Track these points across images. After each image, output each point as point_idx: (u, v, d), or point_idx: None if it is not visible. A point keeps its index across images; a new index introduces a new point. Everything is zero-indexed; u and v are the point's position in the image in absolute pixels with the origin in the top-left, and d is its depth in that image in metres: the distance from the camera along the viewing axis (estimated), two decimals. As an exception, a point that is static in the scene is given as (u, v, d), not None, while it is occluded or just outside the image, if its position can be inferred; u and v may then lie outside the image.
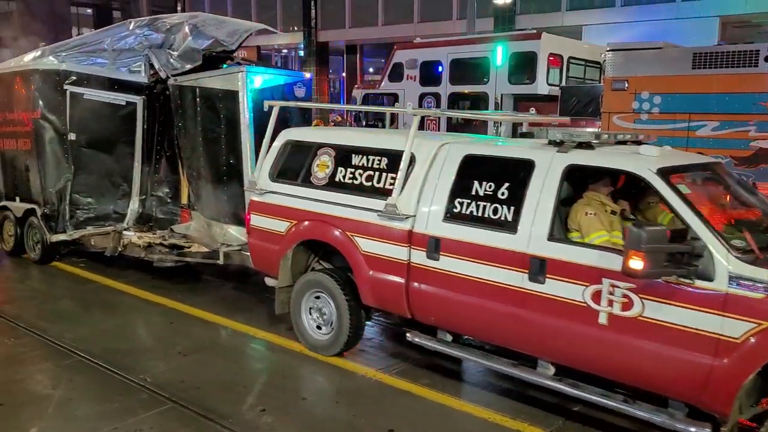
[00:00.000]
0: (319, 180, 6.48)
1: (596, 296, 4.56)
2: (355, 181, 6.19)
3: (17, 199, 9.92)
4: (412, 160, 5.75)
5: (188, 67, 8.87)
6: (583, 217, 4.95)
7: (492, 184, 5.24)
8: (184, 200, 9.68)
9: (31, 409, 5.29)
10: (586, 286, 4.60)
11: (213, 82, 8.55)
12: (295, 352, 6.55)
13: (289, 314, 6.68)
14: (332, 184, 6.36)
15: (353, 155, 6.27)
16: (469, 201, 5.33)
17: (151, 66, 9.17)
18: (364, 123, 15.98)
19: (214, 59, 9.26)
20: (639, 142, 5.49)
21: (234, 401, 5.47)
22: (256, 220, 6.97)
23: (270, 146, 7.05)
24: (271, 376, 6.29)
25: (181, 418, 5.16)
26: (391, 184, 5.84)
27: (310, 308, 6.51)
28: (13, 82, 9.54)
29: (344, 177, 6.29)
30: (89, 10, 60.68)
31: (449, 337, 5.74)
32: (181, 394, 5.53)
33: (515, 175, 5.16)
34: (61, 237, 9.35)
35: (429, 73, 15.06)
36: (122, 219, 9.51)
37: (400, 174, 5.71)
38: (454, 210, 5.41)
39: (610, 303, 4.50)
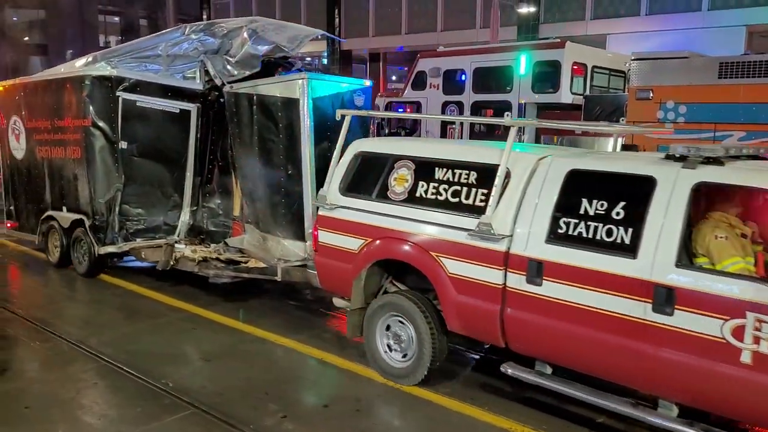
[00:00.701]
0: (397, 195, 6.02)
1: (738, 332, 4.04)
2: (439, 197, 5.71)
3: (64, 209, 9.57)
4: (507, 174, 5.26)
5: (246, 73, 8.49)
6: (713, 241, 4.43)
7: (604, 202, 4.73)
8: (237, 212, 9.28)
9: (55, 412, 5.35)
10: (726, 320, 4.08)
11: (272, 89, 8.13)
12: (317, 359, 6.54)
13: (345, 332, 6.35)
14: (412, 200, 5.89)
15: (437, 168, 5.80)
16: (577, 221, 4.83)
17: (206, 72, 8.78)
18: (386, 131, 15.81)
19: (268, 66, 8.87)
20: (756, 157, 4.98)
21: (255, 407, 5.48)
22: (325, 237, 6.52)
23: (340, 158, 6.60)
24: (293, 382, 6.15)
25: (203, 423, 5.20)
26: (482, 201, 5.37)
27: (386, 333, 6.04)
28: (62, 89, 9.21)
29: (426, 192, 5.82)
30: (116, 18, 61.27)
31: (549, 369, 5.23)
32: (204, 399, 5.58)
33: (633, 192, 4.65)
34: (110, 249, 8.98)
35: (452, 82, 14.94)
36: (173, 231, 9.13)
37: (495, 190, 5.23)
38: (559, 230, 4.91)
39: (757, 340, 3.98)
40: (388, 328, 6.04)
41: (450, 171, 5.71)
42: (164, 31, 9.39)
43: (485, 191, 5.38)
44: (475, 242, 5.30)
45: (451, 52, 15.35)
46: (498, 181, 5.22)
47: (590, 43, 15.30)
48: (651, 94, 8.49)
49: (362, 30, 29.62)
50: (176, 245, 8.72)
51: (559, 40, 13.96)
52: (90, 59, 9.43)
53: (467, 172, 5.59)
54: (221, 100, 8.90)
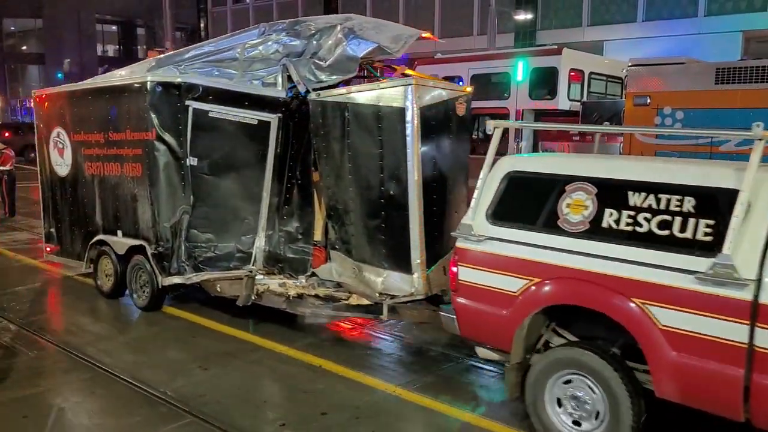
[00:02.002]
0: (573, 225, 4.92)
1: None
2: (638, 229, 4.62)
3: (119, 233, 8.43)
4: (748, 202, 4.18)
5: (339, 79, 7.40)
6: None
7: None
8: (318, 237, 8.17)
9: (53, 421, 5.37)
10: None
11: (370, 97, 7.04)
12: (315, 366, 6.50)
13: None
14: (597, 232, 4.80)
15: (631, 193, 4.71)
16: None
17: (288, 78, 7.67)
18: None
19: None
20: None
21: (254, 415, 5.50)
22: (470, 275, 5.42)
23: (485, 179, 5.50)
24: (291, 390, 6.08)
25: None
26: (708, 235, 4.28)
27: (560, 395, 4.93)
28: (119, 97, 8.09)
29: (618, 222, 4.72)
30: (114, 27, 60.21)
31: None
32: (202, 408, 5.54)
33: None
34: (176, 280, 7.85)
35: None
36: (247, 259, 7.99)
37: (735, 222, 4.13)
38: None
39: None
40: (560, 388, 4.93)
41: (653, 196, 4.61)
42: (238, 31, 8.26)
43: (711, 222, 4.30)
44: (704, 288, 4.20)
45: (449, 59, 15.14)
46: (739, 210, 4.13)
47: (587, 50, 15.50)
48: (648, 100, 8.39)
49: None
50: (258, 277, 7.59)
51: (556, 47, 13.87)
52: (153, 63, 8.32)
53: (680, 197, 4.49)
54: (302, 109, 7.80)
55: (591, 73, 13.44)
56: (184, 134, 7.71)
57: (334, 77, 7.42)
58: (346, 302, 7.01)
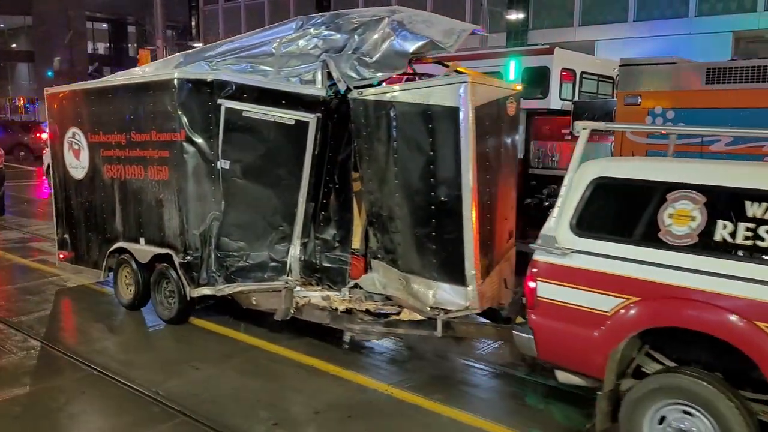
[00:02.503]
0: (679, 238, 4.43)
1: None
2: (759, 243, 4.13)
3: (142, 240, 7.87)
4: None
5: (386, 76, 6.89)
6: None
7: None
8: (357, 245, 7.63)
9: (44, 422, 5.36)
10: None
11: (420, 95, 6.51)
12: (307, 365, 6.49)
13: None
14: (708, 246, 4.32)
15: (751, 203, 4.22)
16: None
17: (328, 76, 7.14)
18: None
19: None
20: None
21: (246, 415, 5.47)
22: (552, 291, 4.92)
23: (569, 186, 5.00)
24: (284, 389, 6.07)
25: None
26: None
27: (661, 426, 4.44)
28: (143, 95, 7.52)
29: (734, 236, 4.24)
30: (105, 25, 59.38)
31: None
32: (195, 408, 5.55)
33: None
34: (206, 291, 7.32)
35: None
36: (282, 269, 7.44)
37: None
38: None
39: None
40: (662, 420, 4.45)
41: (777, 206, 4.14)
42: (273, 25, 7.69)
43: None
44: None
45: (441, 59, 14.58)
46: None
47: (579, 49, 15.18)
48: (639, 100, 8.31)
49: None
50: (298, 289, 7.05)
51: (547, 47, 13.55)
52: (180, 59, 7.77)
53: (811, 209, 4.02)
54: (341, 109, 7.27)
55: (583, 72, 13.23)
56: (215, 135, 7.17)
57: (380, 74, 6.89)
58: (398, 317, 6.48)
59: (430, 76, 7.31)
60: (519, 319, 6.21)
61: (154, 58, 27.35)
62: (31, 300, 8.79)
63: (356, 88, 7.02)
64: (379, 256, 7.22)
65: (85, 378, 6.27)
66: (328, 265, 7.55)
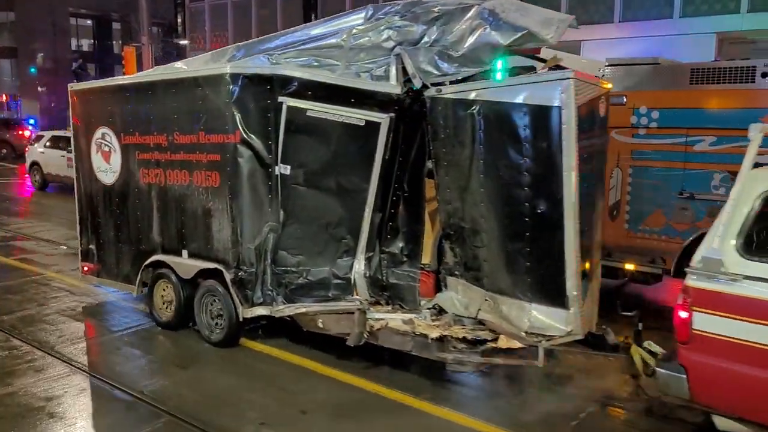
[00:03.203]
0: None
1: None
2: None
3: (185, 253, 7.10)
4: None
5: (473, 71, 6.19)
6: None
7: None
8: (427, 259, 6.94)
9: (25, 422, 5.30)
10: None
11: (513, 93, 5.83)
12: (295, 365, 6.46)
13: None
14: None
15: None
16: None
17: (403, 71, 6.42)
18: None
19: None
20: None
21: (234, 415, 5.46)
22: (713, 323, 4.28)
23: (737, 200, 4.33)
24: (271, 389, 6.01)
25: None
26: None
27: None
28: (191, 93, 6.78)
29: None
30: (89, 22, 58.02)
31: None
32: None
33: None
34: (261, 311, 6.61)
35: None
36: (345, 287, 6.71)
37: None
38: None
39: None
40: None
41: None
42: (340, 14, 6.94)
43: None
44: None
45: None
46: None
47: (565, 50, 15.05)
48: (624, 100, 8.27)
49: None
50: (371, 311, 6.33)
51: (534, 47, 13.27)
52: (234, 52, 7.04)
53: None
54: (414, 108, 6.56)
55: None
56: (274, 137, 6.46)
57: (467, 69, 6.18)
58: (494, 345, 5.77)
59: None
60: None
61: (139, 55, 26.44)
62: (12, 299, 8.52)
63: (433, 85, 6.33)
64: (456, 272, 6.54)
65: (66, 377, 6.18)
66: (396, 281, 6.83)
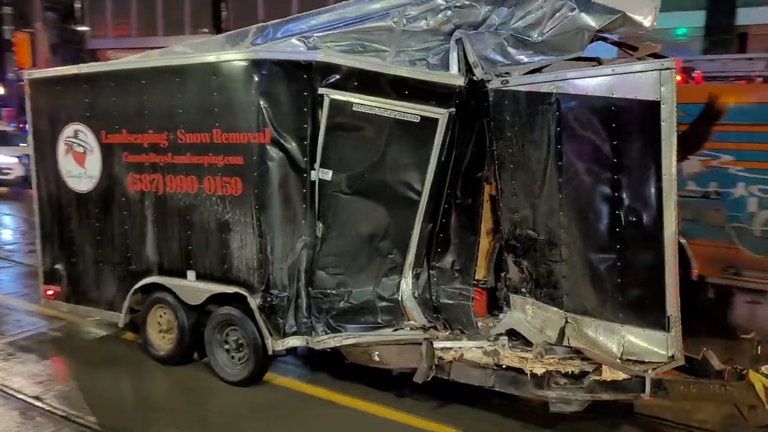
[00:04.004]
0: None
1: None
2: None
3: (190, 275, 5.95)
4: None
5: (554, 59, 5.37)
6: None
7: None
8: (481, 274, 6.09)
9: None
10: None
11: (599, 84, 5.06)
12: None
13: None
14: None
15: None
16: None
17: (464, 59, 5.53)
18: None
19: None
20: None
21: (147, 419, 5.30)
22: None
23: None
24: (187, 392, 5.84)
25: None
26: None
27: None
28: (202, 82, 5.65)
29: None
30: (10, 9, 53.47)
31: None
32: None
33: None
34: (295, 342, 5.61)
35: None
36: (393, 310, 5.77)
37: None
38: None
39: None
40: None
41: None
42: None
43: None
44: None
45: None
46: None
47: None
48: None
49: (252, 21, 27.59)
50: (438, 341, 5.40)
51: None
52: (258, 35, 5.91)
53: None
54: (471, 103, 5.69)
55: None
56: (311, 136, 5.42)
57: (546, 58, 5.34)
58: (598, 378, 4.96)
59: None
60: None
61: (32, 42, 24.19)
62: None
63: (497, 76, 5.47)
64: (523, 290, 5.73)
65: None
66: (446, 300, 5.98)
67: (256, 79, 5.37)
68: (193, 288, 5.96)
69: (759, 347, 5.03)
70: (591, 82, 5.13)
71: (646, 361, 5.02)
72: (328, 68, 5.31)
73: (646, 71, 4.94)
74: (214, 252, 5.82)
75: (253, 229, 5.55)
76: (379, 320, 5.65)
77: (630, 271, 5.11)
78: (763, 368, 4.90)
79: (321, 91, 5.32)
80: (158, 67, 6.03)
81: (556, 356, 5.12)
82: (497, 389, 5.09)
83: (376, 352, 5.39)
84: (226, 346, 5.92)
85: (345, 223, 5.60)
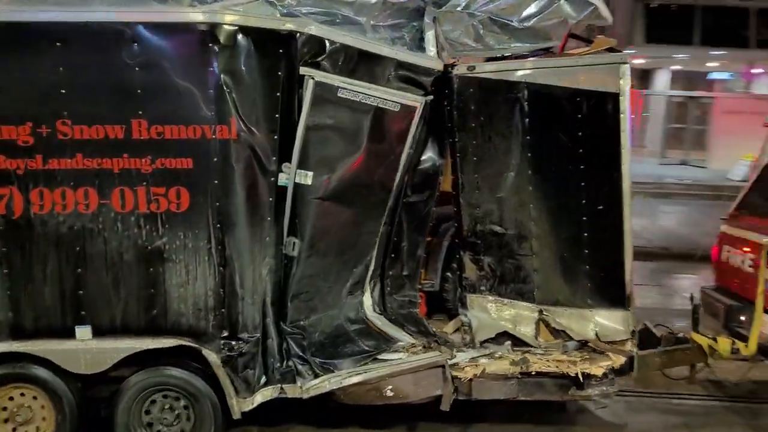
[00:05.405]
0: None
1: None
2: None
3: (80, 331, 4.08)
4: None
5: (531, 48, 5.01)
6: None
7: None
8: (424, 276, 5.51)
9: None
10: None
11: (564, 75, 4.98)
12: None
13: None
14: None
15: None
16: None
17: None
18: None
19: None
20: None
21: None
22: None
23: None
24: None
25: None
26: None
27: None
28: (111, 49, 3.86)
29: None
30: None
31: None
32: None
33: None
34: (269, 395, 4.36)
35: None
36: (367, 331, 4.84)
37: None
38: None
39: None
40: None
41: None
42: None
43: None
44: None
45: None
46: None
47: None
48: None
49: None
50: (460, 358, 4.68)
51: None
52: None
53: None
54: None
55: None
56: (282, 129, 4.18)
57: (521, 45, 4.92)
58: (615, 366, 4.88)
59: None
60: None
61: None
62: None
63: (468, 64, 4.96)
64: (482, 288, 5.38)
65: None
66: (400, 311, 5.27)
67: (216, 50, 3.87)
68: (90, 350, 4.09)
69: (698, 312, 5.66)
70: (561, 72, 5.00)
71: (617, 340, 5.22)
72: (314, 42, 4.10)
73: (610, 64, 5.01)
74: (132, 294, 4.09)
75: (210, 255, 4.06)
76: (365, 347, 4.68)
77: (597, 258, 5.21)
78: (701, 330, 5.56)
79: (304, 71, 4.10)
80: (25, 22, 3.86)
81: (567, 352, 4.98)
82: (522, 399, 4.71)
83: (389, 387, 4.46)
84: (158, 428, 4.24)
85: (324, 237, 4.48)
